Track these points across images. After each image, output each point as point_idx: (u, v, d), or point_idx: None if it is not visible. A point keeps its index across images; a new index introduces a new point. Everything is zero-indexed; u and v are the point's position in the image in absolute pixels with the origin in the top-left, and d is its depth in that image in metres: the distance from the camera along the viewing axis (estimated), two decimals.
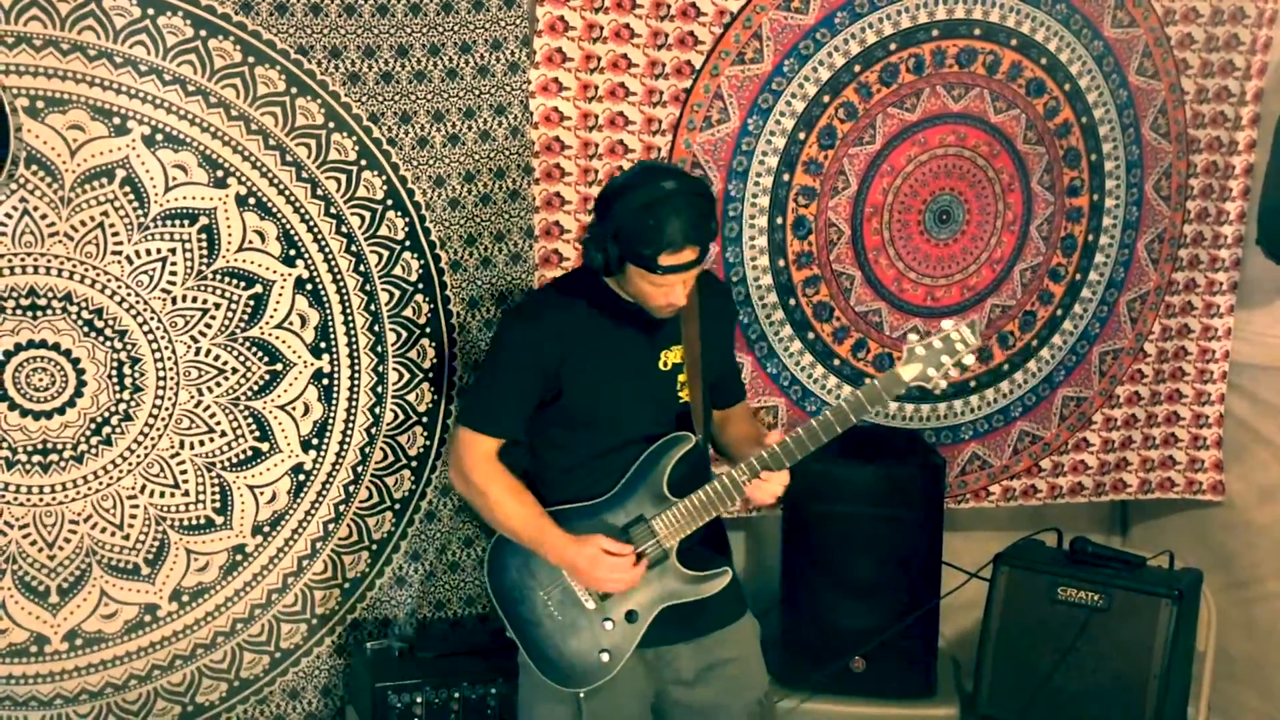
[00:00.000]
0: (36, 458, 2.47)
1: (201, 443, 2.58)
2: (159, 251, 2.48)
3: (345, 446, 2.69)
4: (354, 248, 2.63)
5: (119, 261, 2.46)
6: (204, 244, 2.51)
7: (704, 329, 2.27)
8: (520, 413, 2.26)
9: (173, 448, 2.56)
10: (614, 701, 2.27)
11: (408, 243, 2.67)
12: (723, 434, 2.41)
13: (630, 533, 2.24)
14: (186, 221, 2.49)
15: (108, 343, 2.48)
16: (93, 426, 2.50)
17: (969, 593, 3.03)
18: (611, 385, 2.24)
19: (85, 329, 2.46)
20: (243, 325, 2.57)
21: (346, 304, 2.65)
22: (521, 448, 2.33)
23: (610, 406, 2.24)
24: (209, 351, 2.55)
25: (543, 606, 2.26)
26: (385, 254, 2.66)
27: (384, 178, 2.63)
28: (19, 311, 2.41)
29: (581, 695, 2.24)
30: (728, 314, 2.47)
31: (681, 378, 2.28)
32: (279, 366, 2.61)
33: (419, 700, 2.55)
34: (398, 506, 2.76)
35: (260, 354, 2.59)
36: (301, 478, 2.66)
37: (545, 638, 2.26)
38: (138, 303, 2.49)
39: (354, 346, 2.67)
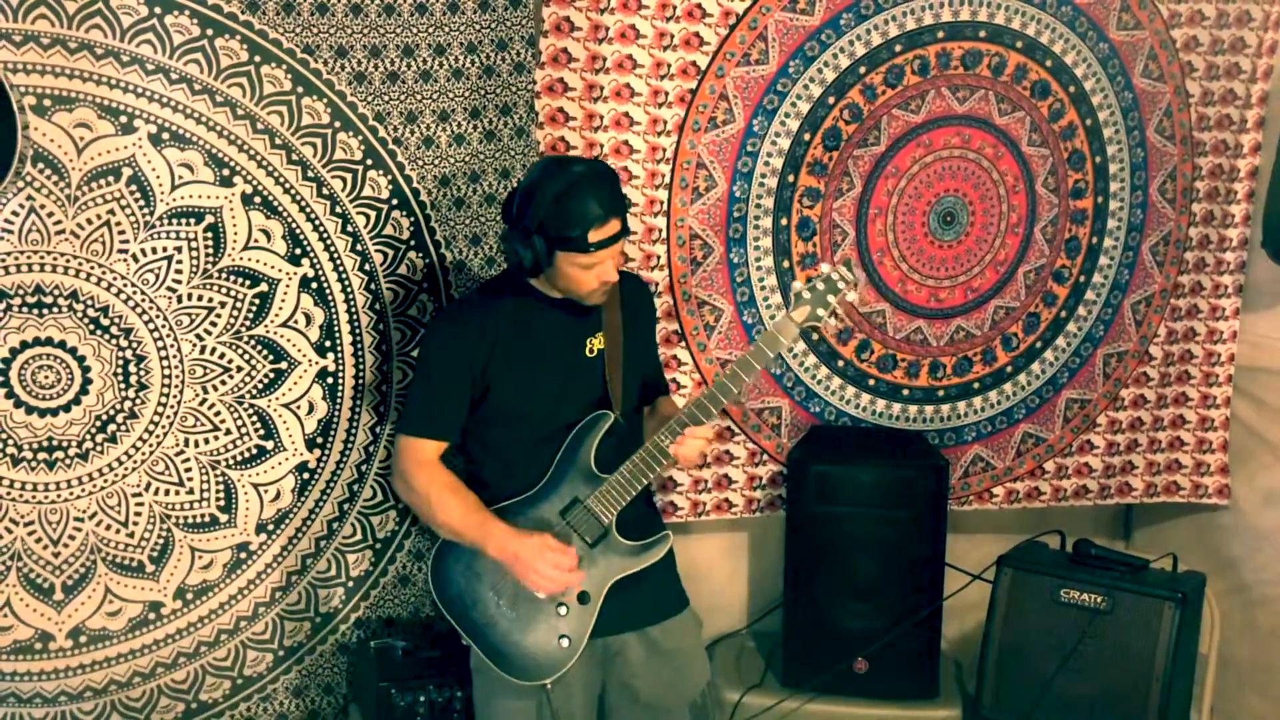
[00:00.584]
0: (42, 455, 2.48)
1: (206, 441, 2.58)
2: (165, 250, 2.49)
3: (349, 445, 2.70)
4: (359, 247, 2.64)
5: (125, 259, 2.47)
6: (209, 242, 2.52)
7: (625, 319, 2.36)
8: (455, 413, 2.32)
9: (178, 446, 2.57)
10: (573, 691, 2.32)
11: (412, 242, 2.68)
12: (649, 421, 2.48)
13: (568, 516, 2.29)
14: (192, 220, 2.50)
15: (113, 340, 2.49)
16: (98, 424, 2.50)
17: (972, 594, 3.03)
18: (538, 378, 2.31)
19: (91, 327, 2.47)
20: (248, 324, 2.57)
21: (351, 303, 2.65)
22: (458, 460, 2.39)
23: (539, 398, 2.31)
24: (214, 350, 2.56)
25: (495, 607, 2.30)
26: (390, 253, 2.67)
27: (389, 177, 2.64)
28: (25, 309, 2.42)
29: (548, 685, 2.27)
30: (647, 308, 2.55)
31: (606, 362, 2.35)
32: (284, 365, 2.62)
33: (422, 699, 2.55)
34: (401, 505, 2.77)
35: (265, 352, 2.60)
36: (306, 476, 2.67)
37: (502, 637, 2.29)
38: (143, 301, 2.50)
39: (358, 345, 2.67)
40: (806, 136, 2.92)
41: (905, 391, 3.14)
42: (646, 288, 2.61)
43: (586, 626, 2.29)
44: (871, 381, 3.12)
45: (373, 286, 2.66)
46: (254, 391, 2.60)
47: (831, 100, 2.92)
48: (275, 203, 2.56)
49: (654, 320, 2.63)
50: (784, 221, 2.95)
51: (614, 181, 2.25)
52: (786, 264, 2.98)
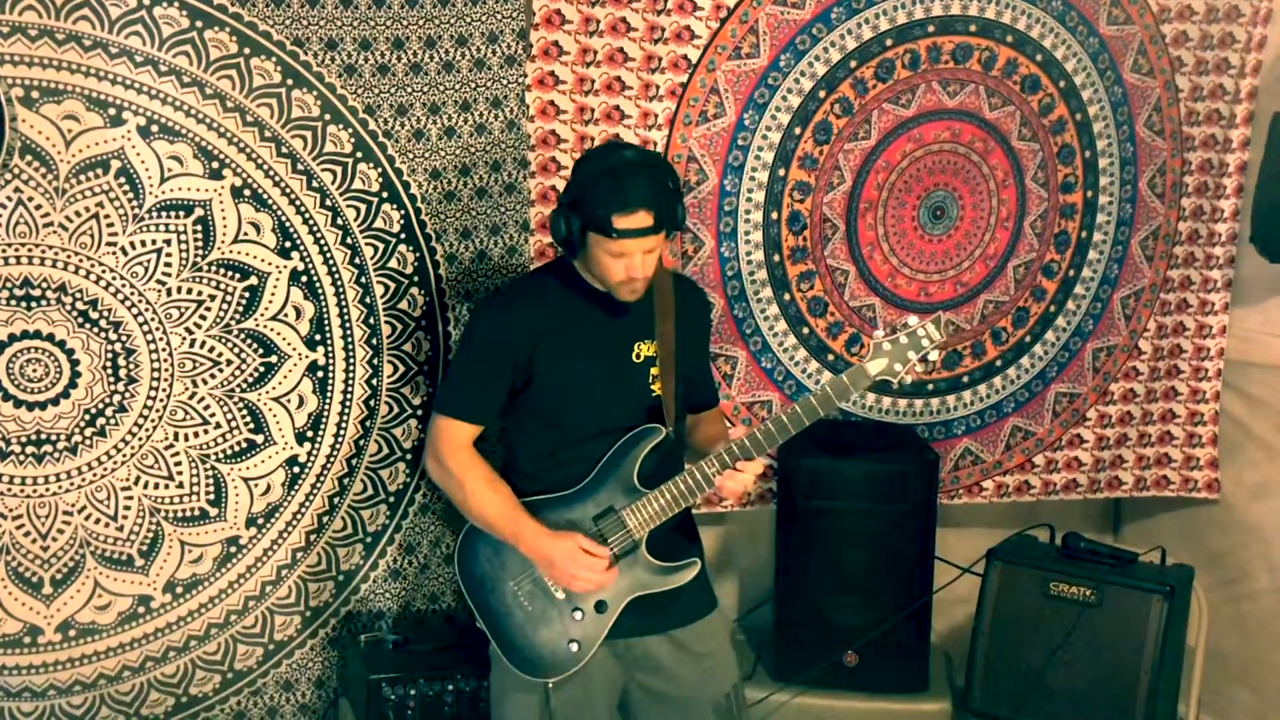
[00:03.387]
0: (30, 449, 2.47)
1: (196, 434, 2.58)
2: (154, 243, 2.48)
3: (340, 439, 2.69)
4: (349, 240, 2.63)
5: (114, 253, 2.46)
6: (199, 236, 2.51)
7: (679, 327, 2.30)
8: (493, 400, 2.29)
9: (167, 439, 2.56)
10: (582, 692, 2.29)
11: (403, 235, 2.67)
12: (692, 436, 2.44)
13: (600, 524, 2.26)
14: (182, 213, 2.49)
15: (102, 334, 2.48)
16: (87, 418, 2.49)
17: (961, 588, 3.04)
18: (582, 374, 2.27)
19: (80, 320, 2.46)
20: (238, 317, 2.57)
21: (342, 296, 2.65)
22: (493, 445, 2.36)
23: (580, 395, 2.27)
24: (204, 343, 2.55)
25: (512, 597, 2.28)
26: (381, 246, 2.66)
27: (380, 170, 2.63)
28: (13, 302, 2.41)
29: (550, 685, 2.25)
30: (704, 319, 2.51)
31: (654, 371, 2.30)
32: (274, 359, 2.61)
33: (413, 692, 2.55)
34: (392, 499, 2.76)
35: (255, 346, 2.59)
36: (296, 470, 2.66)
37: (515, 628, 2.28)
38: (132, 294, 2.49)
39: (349, 339, 2.67)
40: (797, 130, 2.92)
41: (894, 386, 3.14)
42: (704, 296, 2.55)
43: (599, 635, 2.26)
44: (895, 386, 3.10)
45: (363, 280, 2.66)
46: (244, 385, 2.59)
47: (822, 94, 2.92)
48: (265, 196, 2.55)
49: (709, 330, 2.57)
50: (774, 215, 2.96)
51: (661, 176, 2.17)
52: (777, 258, 2.98)
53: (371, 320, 2.68)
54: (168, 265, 2.50)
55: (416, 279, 2.70)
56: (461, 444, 2.29)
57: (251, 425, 2.61)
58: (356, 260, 2.64)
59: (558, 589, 2.26)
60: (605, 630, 2.26)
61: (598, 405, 2.28)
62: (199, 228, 2.51)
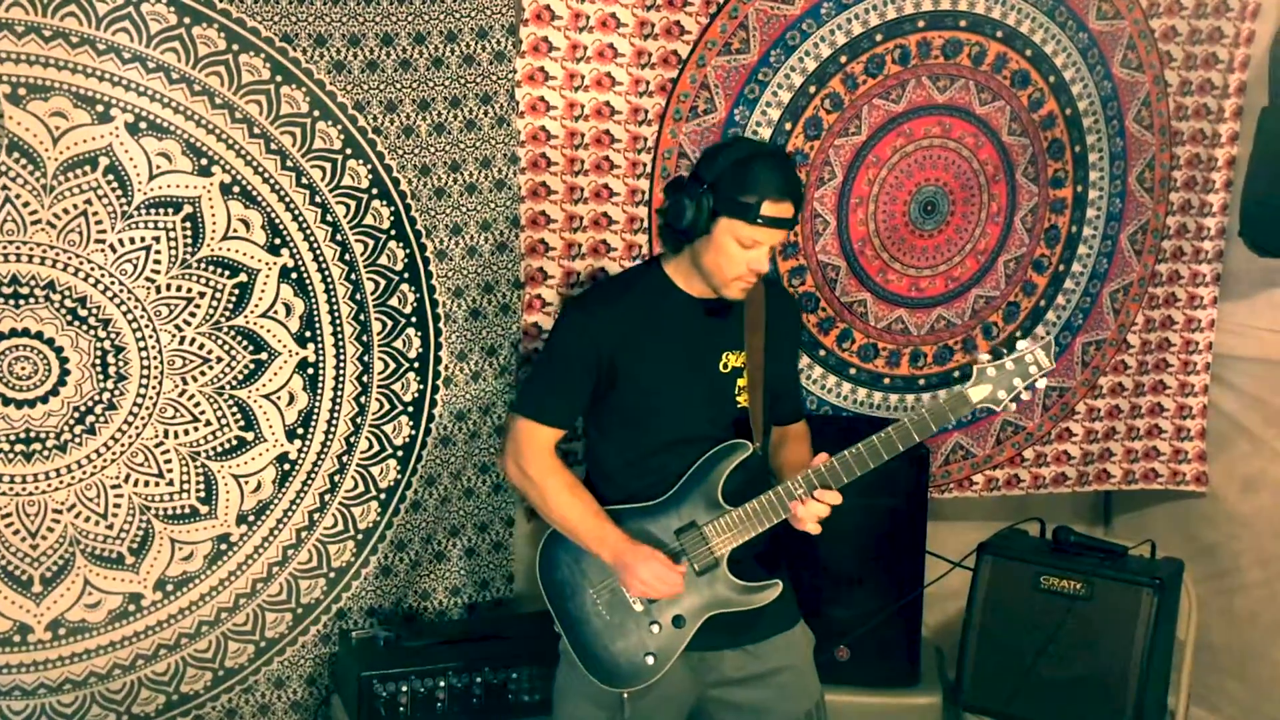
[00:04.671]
0: (19, 447, 2.46)
1: (186, 432, 2.57)
2: (143, 240, 2.47)
3: (330, 436, 2.69)
4: (339, 237, 2.63)
5: (102, 250, 2.45)
6: (188, 232, 2.50)
7: (769, 339, 2.24)
8: (575, 404, 2.25)
9: (157, 437, 2.55)
10: (655, 703, 2.24)
11: (393, 232, 2.67)
12: (777, 455, 2.36)
13: (682, 537, 2.21)
14: (170, 210, 2.48)
15: (91, 331, 2.47)
16: (76, 415, 2.49)
17: (952, 582, 3.05)
18: (666, 381, 2.21)
19: (68, 317, 2.45)
20: (227, 314, 2.56)
21: (331, 293, 2.64)
22: (574, 459, 2.34)
23: (665, 402, 2.21)
24: (193, 340, 2.55)
25: (591, 605, 2.24)
26: (370, 243, 2.66)
27: (369, 166, 2.62)
28: (1, 300, 2.40)
29: (626, 695, 2.20)
30: (794, 329, 2.45)
31: (741, 383, 2.24)
32: (264, 355, 2.60)
33: (404, 689, 2.55)
34: (383, 496, 2.76)
35: (245, 343, 2.58)
36: (286, 467, 2.66)
37: (592, 636, 2.24)
38: (121, 291, 2.48)
39: (339, 336, 2.66)
40: (788, 126, 2.92)
41: (886, 380, 3.15)
42: (795, 305, 2.47)
43: (676, 648, 2.22)
44: (853, 371, 3.13)
45: (353, 276, 2.65)
46: (234, 382, 2.59)
47: (812, 89, 2.92)
48: (254, 192, 2.54)
49: (798, 341, 2.49)
50: None
51: (797, 172, 2.16)
52: None
53: (362, 317, 2.67)
54: (157, 262, 2.49)
55: (407, 275, 2.70)
56: (543, 448, 2.24)
57: (242, 422, 2.60)
58: (346, 257, 2.64)
59: (636, 601, 2.22)
60: (682, 645, 2.22)
61: (681, 414, 2.22)
62: (188, 225, 2.50)
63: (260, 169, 2.54)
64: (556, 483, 2.23)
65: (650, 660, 2.21)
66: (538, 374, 2.32)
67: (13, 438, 2.45)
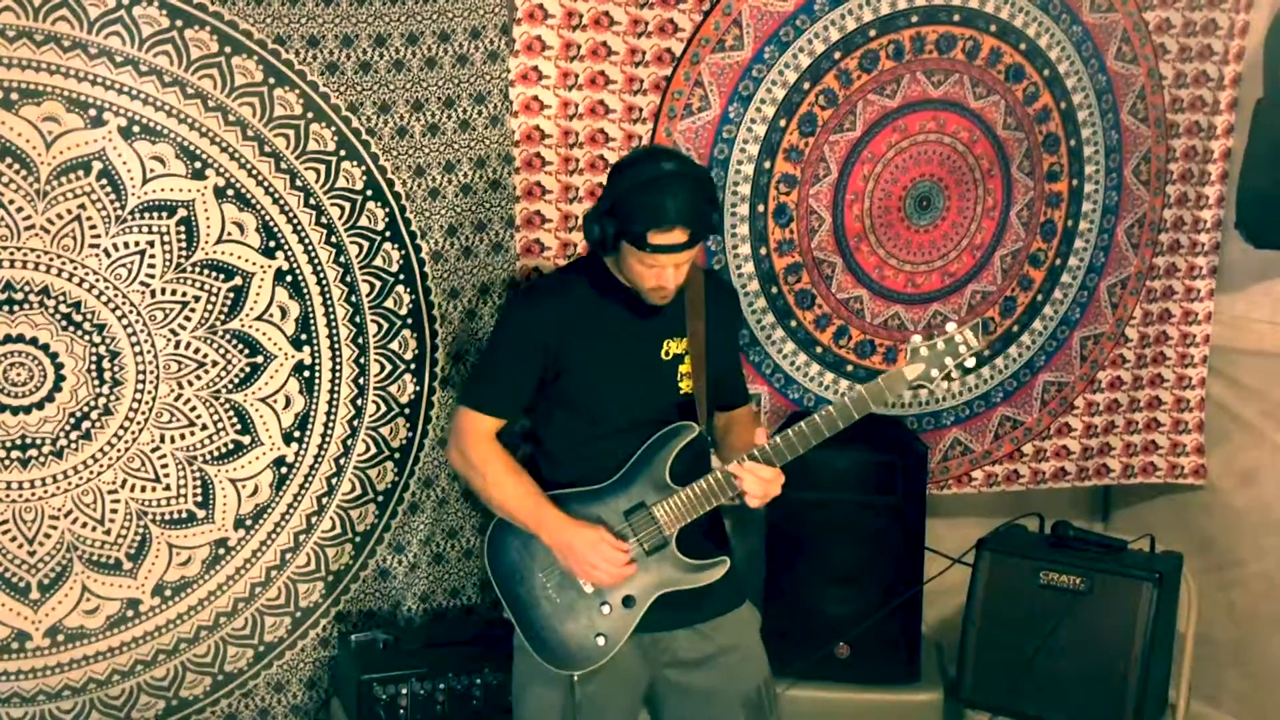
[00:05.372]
0: (15, 453, 2.45)
1: (182, 436, 2.56)
2: (137, 244, 2.46)
3: (327, 439, 2.68)
4: (334, 239, 2.62)
5: (97, 255, 2.44)
6: (182, 236, 2.49)
7: (709, 326, 2.30)
8: (520, 394, 2.29)
9: (153, 442, 2.54)
10: (607, 685, 2.28)
11: (388, 233, 2.66)
12: (725, 440, 2.42)
13: (631, 518, 2.25)
14: (165, 214, 2.47)
15: (86, 337, 2.46)
16: (72, 421, 2.48)
17: (952, 578, 3.05)
18: (610, 369, 2.27)
19: (63, 323, 2.44)
20: (223, 318, 2.55)
21: (327, 295, 2.63)
22: (517, 441, 2.36)
23: (609, 390, 2.27)
24: (189, 344, 2.54)
25: (541, 588, 2.28)
26: (365, 245, 2.65)
27: (363, 168, 2.62)
28: None
29: (575, 678, 2.25)
30: (733, 316, 2.49)
31: (683, 369, 2.30)
32: (259, 359, 2.60)
33: (404, 691, 2.54)
34: (381, 498, 2.76)
35: (240, 346, 2.58)
36: (284, 470, 2.65)
37: (542, 619, 2.27)
38: (116, 296, 2.47)
39: (335, 338, 2.66)
40: (782, 123, 2.92)
41: (924, 395, 3.14)
42: (733, 291, 2.53)
43: (626, 629, 2.25)
44: (850, 367, 3.12)
45: (348, 279, 2.65)
46: (230, 386, 2.58)
47: (807, 86, 2.91)
48: (248, 195, 2.53)
49: (738, 327, 2.56)
50: (760, 208, 2.95)
51: (701, 190, 2.16)
52: (764, 250, 2.98)
53: (357, 319, 2.67)
54: (151, 267, 2.48)
55: (402, 277, 2.69)
56: (485, 436, 2.29)
57: (238, 426, 2.60)
58: (341, 259, 2.63)
59: (586, 582, 2.26)
60: (633, 625, 2.26)
61: (625, 401, 2.27)
62: (182, 228, 2.49)
63: (254, 172, 2.53)
64: (497, 467, 2.28)
65: (601, 641, 2.25)
66: (483, 365, 2.39)
67: (8, 444, 2.45)
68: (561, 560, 2.25)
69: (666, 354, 2.30)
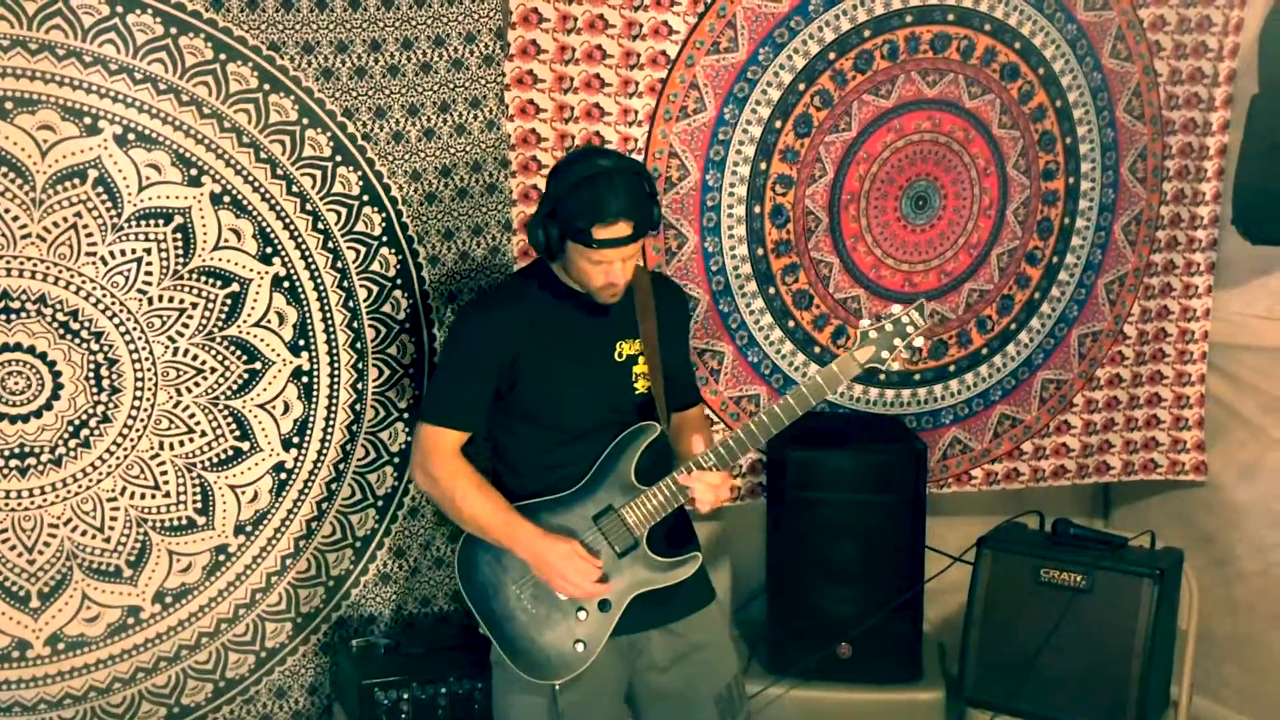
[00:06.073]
0: (14, 462, 2.45)
1: (181, 443, 2.56)
2: (134, 252, 2.47)
3: (326, 444, 2.68)
4: (331, 244, 2.62)
5: (93, 263, 2.44)
6: (179, 243, 2.49)
7: (661, 326, 2.32)
8: (479, 406, 2.29)
9: (152, 449, 2.54)
10: (588, 691, 2.28)
11: (385, 238, 2.66)
12: (680, 440, 2.41)
13: (600, 523, 2.26)
14: (161, 221, 2.48)
15: (84, 345, 2.46)
16: (70, 429, 2.48)
17: (953, 577, 3.05)
18: (565, 374, 2.28)
19: (60, 331, 2.44)
20: (220, 324, 2.55)
21: (324, 301, 2.63)
22: (480, 449, 2.36)
23: (565, 395, 2.28)
24: (187, 351, 2.54)
25: (515, 600, 2.28)
26: (362, 250, 2.65)
27: (359, 173, 2.62)
28: None
29: (557, 686, 2.25)
30: (683, 316, 2.51)
31: (638, 369, 2.31)
32: (258, 365, 2.60)
33: (406, 696, 2.54)
34: (380, 503, 2.76)
35: (239, 353, 2.58)
36: (283, 476, 2.65)
37: (520, 631, 2.28)
38: (113, 304, 2.47)
39: (333, 343, 2.66)
40: (778, 124, 2.92)
41: (881, 376, 3.15)
42: (683, 294, 2.55)
43: (604, 633, 2.26)
44: (881, 377, 3.11)
45: (346, 284, 2.65)
46: (228, 392, 2.58)
47: (802, 87, 2.92)
48: (245, 202, 2.53)
49: (689, 328, 2.58)
50: (757, 209, 2.95)
51: (639, 184, 2.17)
52: (761, 252, 2.98)
53: (355, 324, 2.67)
54: (148, 274, 2.48)
55: (399, 282, 2.69)
56: (449, 451, 2.29)
57: (237, 432, 2.60)
58: (339, 264, 2.63)
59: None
60: (610, 628, 2.27)
61: (582, 405, 2.28)
62: (179, 235, 2.49)
63: (250, 178, 2.53)
64: (465, 484, 2.27)
65: (580, 647, 2.26)
66: (440, 379, 2.38)
67: (7, 453, 2.45)
68: (536, 573, 2.25)
69: (620, 355, 2.31)
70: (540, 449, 2.30)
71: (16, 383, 2.44)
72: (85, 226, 2.42)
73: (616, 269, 2.18)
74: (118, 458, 2.52)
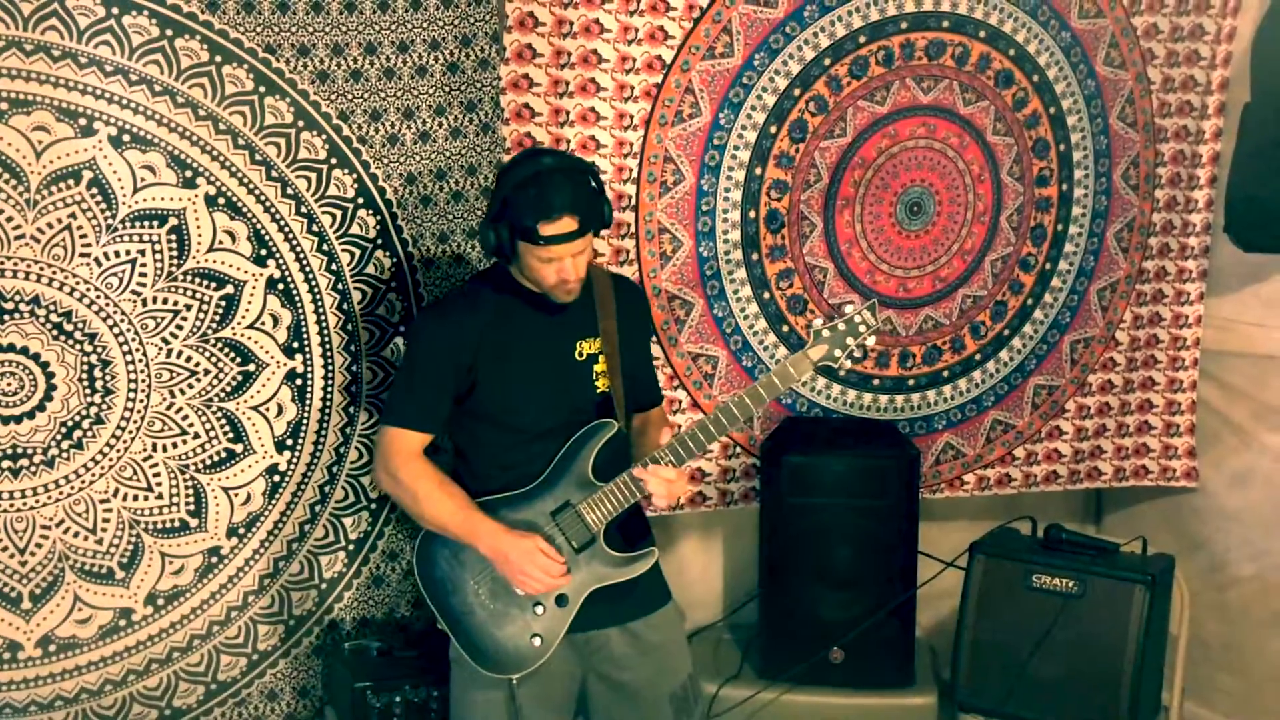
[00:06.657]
0: (6, 463, 2.45)
1: (174, 445, 2.56)
2: (128, 253, 2.46)
3: (320, 446, 2.68)
4: (325, 247, 2.62)
5: (88, 264, 2.44)
6: (174, 245, 2.49)
7: (620, 325, 2.35)
8: (440, 408, 2.32)
9: (145, 451, 2.54)
10: (545, 686, 2.32)
11: (380, 241, 2.66)
12: (642, 439, 2.44)
13: (558, 518, 2.29)
14: (156, 222, 2.47)
15: (77, 346, 2.46)
16: (63, 430, 2.47)
17: (945, 582, 3.05)
18: (524, 375, 2.30)
19: (54, 332, 2.44)
20: (214, 326, 2.55)
21: (319, 303, 2.63)
22: (444, 453, 2.40)
23: (525, 396, 2.30)
24: (181, 353, 2.54)
25: (474, 596, 2.31)
26: (357, 252, 2.65)
27: (355, 176, 2.62)
28: None
29: (514, 681, 2.28)
30: (643, 316, 2.53)
31: (598, 368, 2.34)
32: (251, 367, 2.59)
33: (398, 699, 2.54)
34: (373, 506, 2.75)
35: (232, 355, 2.58)
36: (276, 478, 2.65)
37: (478, 626, 2.30)
38: (107, 305, 2.47)
39: (327, 346, 2.66)
40: (773, 129, 2.93)
41: (875, 381, 3.16)
42: (641, 292, 2.58)
43: (561, 628, 2.30)
44: (842, 372, 3.11)
45: (340, 286, 2.65)
46: (222, 394, 2.58)
47: (797, 93, 2.92)
48: (239, 204, 2.53)
49: (649, 328, 2.60)
50: (752, 214, 2.96)
51: (583, 180, 2.21)
52: (755, 256, 2.98)
53: (349, 326, 2.67)
54: (142, 275, 2.48)
55: (394, 284, 2.69)
56: (411, 453, 2.31)
57: (230, 434, 2.59)
58: (333, 266, 2.63)
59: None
60: (567, 624, 2.30)
61: (543, 404, 2.31)
62: (173, 237, 2.49)
63: (245, 180, 2.53)
64: (427, 484, 2.30)
65: (537, 642, 2.29)
66: (401, 384, 2.42)
67: None
68: (497, 568, 2.27)
69: (580, 354, 2.33)
70: (502, 449, 2.33)
71: (9, 384, 2.43)
72: (80, 228, 2.42)
73: (568, 265, 2.21)
74: (111, 459, 2.52)
